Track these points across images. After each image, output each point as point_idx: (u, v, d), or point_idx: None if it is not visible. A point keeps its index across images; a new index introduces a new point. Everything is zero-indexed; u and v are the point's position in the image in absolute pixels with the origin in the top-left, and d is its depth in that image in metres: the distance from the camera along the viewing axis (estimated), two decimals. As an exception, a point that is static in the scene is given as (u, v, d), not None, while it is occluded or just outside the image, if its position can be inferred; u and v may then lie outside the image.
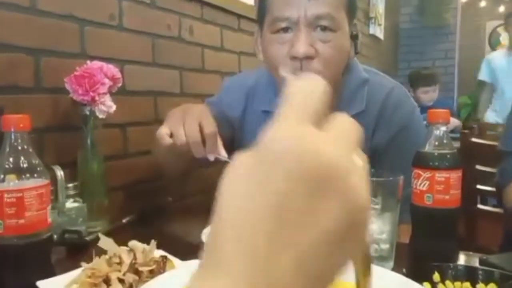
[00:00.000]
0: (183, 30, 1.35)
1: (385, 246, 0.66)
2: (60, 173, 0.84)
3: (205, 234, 0.79)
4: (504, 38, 4.26)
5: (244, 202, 0.20)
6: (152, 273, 0.56)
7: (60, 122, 0.96)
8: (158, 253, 0.62)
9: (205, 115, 0.83)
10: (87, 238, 0.81)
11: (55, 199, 0.83)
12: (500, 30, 4.30)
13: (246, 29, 1.70)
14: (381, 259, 0.66)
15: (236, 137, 1.06)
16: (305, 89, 0.24)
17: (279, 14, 0.84)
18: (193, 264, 0.49)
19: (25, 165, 0.60)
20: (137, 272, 0.56)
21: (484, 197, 1.82)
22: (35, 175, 0.61)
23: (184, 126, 0.80)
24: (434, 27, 4.51)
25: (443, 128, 0.69)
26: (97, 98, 0.89)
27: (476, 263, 0.67)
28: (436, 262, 0.59)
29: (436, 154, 0.68)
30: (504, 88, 3.27)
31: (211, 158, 0.84)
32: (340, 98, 0.95)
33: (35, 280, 0.58)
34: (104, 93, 0.91)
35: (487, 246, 1.30)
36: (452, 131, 2.84)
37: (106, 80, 0.91)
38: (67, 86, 0.89)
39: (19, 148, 0.61)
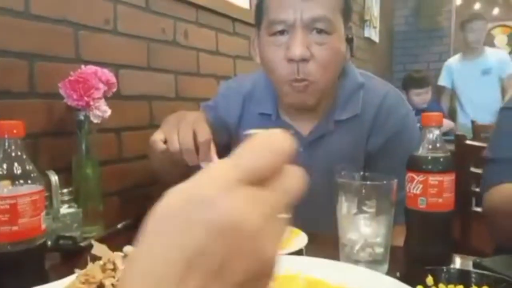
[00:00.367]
0: (178, 34, 1.35)
1: (379, 250, 0.67)
2: (54, 178, 0.83)
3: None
4: (498, 40, 4.30)
5: (161, 250, 0.21)
6: (147, 279, 0.56)
7: (54, 127, 0.96)
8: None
9: (200, 123, 0.83)
10: (82, 244, 0.81)
11: (49, 204, 0.83)
12: (494, 32, 4.33)
13: (241, 33, 1.71)
14: (376, 262, 0.67)
15: (233, 141, 1.06)
16: (263, 143, 0.24)
17: (275, 16, 0.85)
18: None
19: (18, 172, 0.60)
20: (131, 278, 0.55)
21: (479, 199, 1.82)
22: (29, 181, 0.61)
23: (178, 133, 0.80)
24: (429, 30, 4.54)
25: (436, 132, 0.69)
26: (91, 103, 0.89)
27: (470, 266, 0.68)
28: (430, 265, 0.59)
29: (429, 157, 0.68)
30: (465, 92, 3.43)
31: (204, 166, 0.84)
32: (336, 101, 0.96)
33: (28, 287, 0.58)
34: (99, 98, 0.91)
35: (482, 248, 1.31)
36: (446, 134, 2.90)
37: (101, 85, 0.91)
38: (61, 91, 0.88)
39: (13, 154, 0.61)
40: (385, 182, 0.66)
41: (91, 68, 0.92)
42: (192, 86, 1.43)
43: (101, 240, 0.70)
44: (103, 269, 0.55)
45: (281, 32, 0.86)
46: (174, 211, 0.22)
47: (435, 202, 0.67)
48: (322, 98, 0.92)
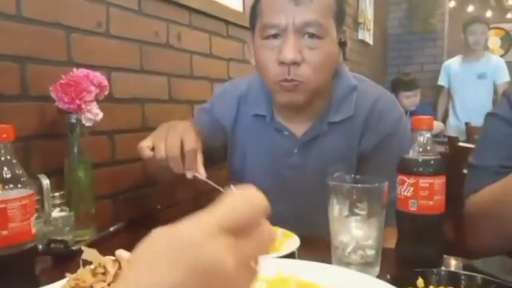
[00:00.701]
0: (171, 36, 1.35)
1: (370, 252, 0.67)
2: (46, 182, 0.83)
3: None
4: (492, 42, 4.34)
5: (147, 281, 0.23)
6: (138, 283, 0.56)
7: (46, 130, 0.95)
8: (144, 262, 0.62)
9: (188, 133, 0.85)
10: (74, 248, 0.80)
11: (41, 208, 0.83)
12: (488, 34, 4.37)
13: (235, 36, 1.71)
14: (367, 265, 0.67)
15: (229, 143, 1.08)
16: (242, 198, 0.27)
17: (268, 20, 0.87)
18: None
19: (8, 176, 0.60)
20: (122, 282, 0.55)
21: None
22: (19, 185, 0.60)
23: (166, 141, 0.82)
24: (422, 32, 4.57)
25: (427, 134, 0.70)
26: (83, 106, 0.89)
27: (461, 268, 0.68)
28: (421, 268, 0.60)
29: (420, 160, 0.68)
30: (460, 94, 3.53)
31: (189, 175, 0.85)
32: (330, 103, 0.98)
33: (18, 291, 0.58)
34: (91, 101, 0.90)
35: (475, 250, 1.31)
36: (436, 135, 2.95)
37: (93, 88, 0.90)
38: (53, 95, 0.88)
39: (2, 158, 0.60)
40: (376, 184, 0.66)
41: (82, 71, 0.91)
42: (186, 89, 1.43)
43: (93, 244, 0.70)
44: (94, 273, 0.55)
45: (274, 36, 0.88)
46: (161, 251, 0.24)
47: (426, 205, 0.67)
48: (313, 99, 0.93)
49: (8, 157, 0.61)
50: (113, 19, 1.13)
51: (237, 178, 1.08)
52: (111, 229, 0.94)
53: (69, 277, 0.56)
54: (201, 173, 0.85)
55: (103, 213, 1.03)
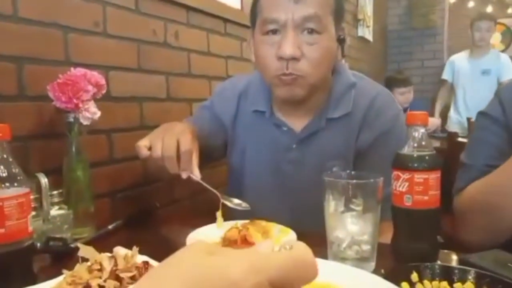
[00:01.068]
0: (169, 35, 1.36)
1: (366, 247, 0.67)
2: (44, 180, 0.83)
3: (190, 239, 0.80)
4: (492, 37, 4.33)
5: None
6: (134, 279, 0.56)
7: (44, 130, 0.96)
8: (141, 258, 0.62)
9: (185, 134, 0.87)
10: (72, 245, 0.81)
11: (39, 206, 0.83)
12: (494, 30, 4.37)
13: (233, 34, 1.71)
14: (363, 260, 0.67)
15: (229, 140, 1.09)
16: (295, 262, 0.28)
17: (268, 16, 0.89)
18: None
19: (4, 174, 0.60)
20: (118, 278, 0.56)
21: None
22: (15, 184, 0.61)
23: (163, 141, 0.84)
24: (422, 28, 4.56)
25: (422, 130, 0.70)
26: (81, 105, 0.89)
27: (457, 262, 0.68)
28: (417, 262, 0.60)
29: (415, 155, 0.69)
30: (463, 89, 3.53)
31: (184, 175, 0.87)
32: (329, 100, 0.99)
33: (16, 289, 0.58)
34: (88, 100, 0.91)
35: (467, 245, 1.32)
36: (433, 132, 2.98)
37: (90, 87, 0.91)
38: (50, 94, 0.89)
39: (-1, 157, 0.61)
40: (371, 180, 0.67)
41: (80, 70, 0.92)
42: (184, 87, 1.43)
43: (92, 241, 0.71)
44: (90, 270, 0.56)
45: (274, 31, 0.89)
46: (194, 276, 0.24)
47: (421, 200, 0.68)
48: (312, 94, 0.94)
49: (5, 156, 0.61)
50: (110, 19, 1.13)
51: (236, 175, 1.09)
52: (110, 227, 0.95)
53: (66, 274, 0.57)
54: (196, 174, 0.87)
55: (101, 211, 1.04)
